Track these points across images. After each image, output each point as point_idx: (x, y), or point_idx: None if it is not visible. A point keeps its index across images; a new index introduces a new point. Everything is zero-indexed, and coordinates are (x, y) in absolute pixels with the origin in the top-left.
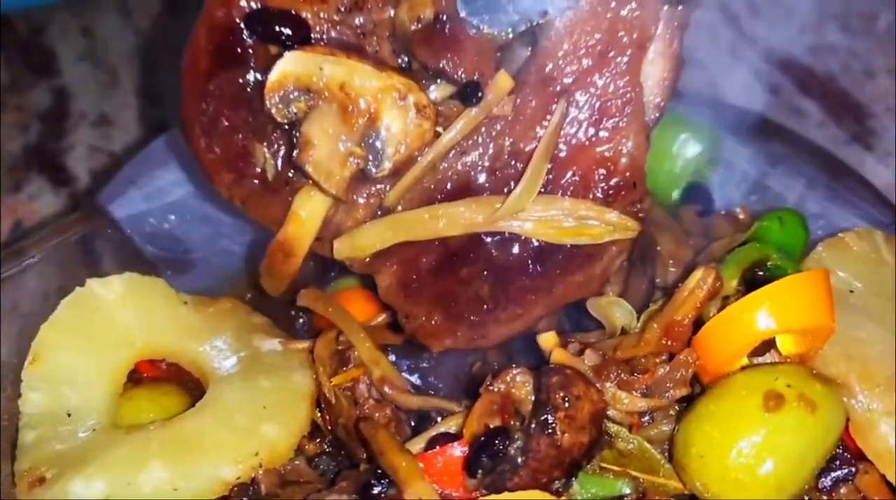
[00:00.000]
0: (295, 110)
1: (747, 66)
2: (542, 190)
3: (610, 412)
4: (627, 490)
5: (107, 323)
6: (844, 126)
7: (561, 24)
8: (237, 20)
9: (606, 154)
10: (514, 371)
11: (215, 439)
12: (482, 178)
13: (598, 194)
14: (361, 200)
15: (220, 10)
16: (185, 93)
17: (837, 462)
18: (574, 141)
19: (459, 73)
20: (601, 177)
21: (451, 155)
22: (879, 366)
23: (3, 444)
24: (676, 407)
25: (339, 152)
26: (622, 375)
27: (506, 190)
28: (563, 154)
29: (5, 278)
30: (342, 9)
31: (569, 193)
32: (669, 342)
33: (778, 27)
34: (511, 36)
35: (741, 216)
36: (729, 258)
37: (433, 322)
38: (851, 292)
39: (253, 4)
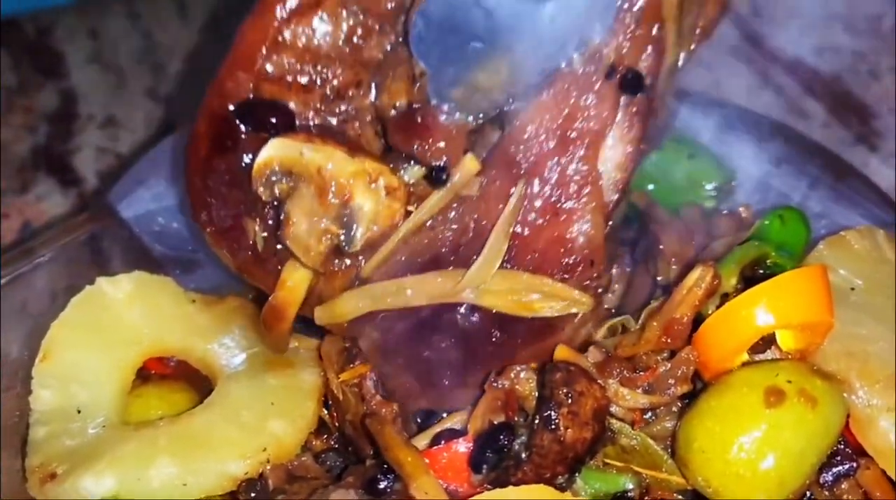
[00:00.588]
0: (279, 191)
1: (751, 66)
2: (506, 266)
3: (612, 409)
4: (630, 486)
5: (116, 321)
6: (849, 127)
7: (526, 111)
8: (231, 109)
9: (564, 234)
10: (518, 368)
11: (223, 435)
12: (450, 253)
13: (557, 271)
14: (340, 272)
15: (217, 100)
16: (188, 173)
17: (838, 458)
18: (534, 220)
19: (428, 156)
20: (559, 255)
21: (422, 231)
22: (879, 363)
23: (13, 440)
24: (679, 403)
25: (315, 230)
26: (624, 372)
27: (471, 264)
28: (525, 232)
29: (15, 278)
30: (327, 97)
31: (529, 269)
32: (669, 340)
33: (782, 28)
34: (481, 121)
35: (744, 215)
36: (728, 257)
37: (406, 385)
38: (852, 289)
39: (245, 95)
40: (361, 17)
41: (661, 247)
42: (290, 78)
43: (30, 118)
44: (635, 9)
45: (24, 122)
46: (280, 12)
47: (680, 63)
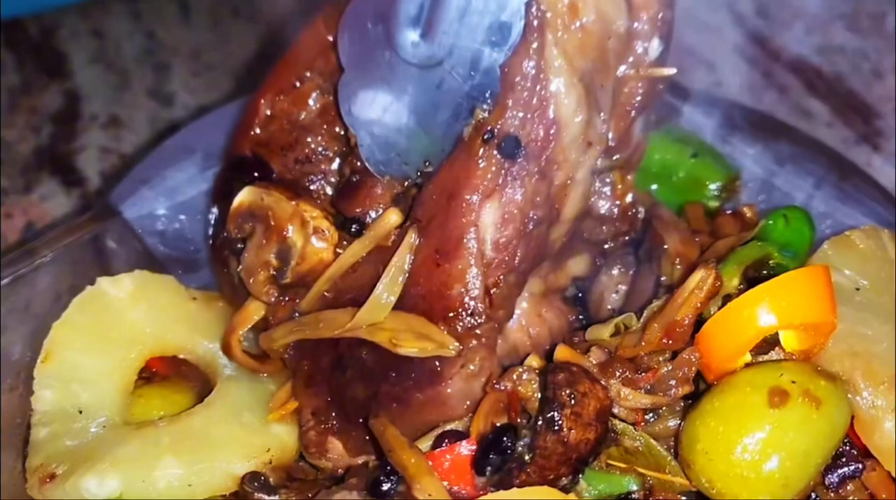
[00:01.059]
0: (244, 230)
1: (755, 66)
2: (400, 308)
3: (615, 410)
4: (634, 487)
5: (118, 321)
6: (852, 127)
7: (433, 174)
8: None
9: (445, 285)
10: (521, 369)
11: (227, 435)
12: (367, 293)
13: (439, 319)
14: (282, 304)
15: (226, 159)
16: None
17: (844, 459)
18: (421, 270)
19: (356, 212)
20: (441, 303)
21: (346, 273)
22: (884, 363)
23: (15, 441)
24: (681, 404)
25: (260, 261)
26: (626, 372)
27: None
28: (417, 280)
29: (18, 278)
30: (299, 160)
31: (417, 311)
32: (670, 342)
33: (785, 27)
34: (410, 182)
35: (748, 215)
36: (730, 257)
37: (321, 419)
38: (857, 289)
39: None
40: (330, 96)
41: (665, 247)
42: (274, 143)
43: (33, 118)
44: (521, 80)
45: (28, 122)
46: (270, 91)
47: (606, 135)
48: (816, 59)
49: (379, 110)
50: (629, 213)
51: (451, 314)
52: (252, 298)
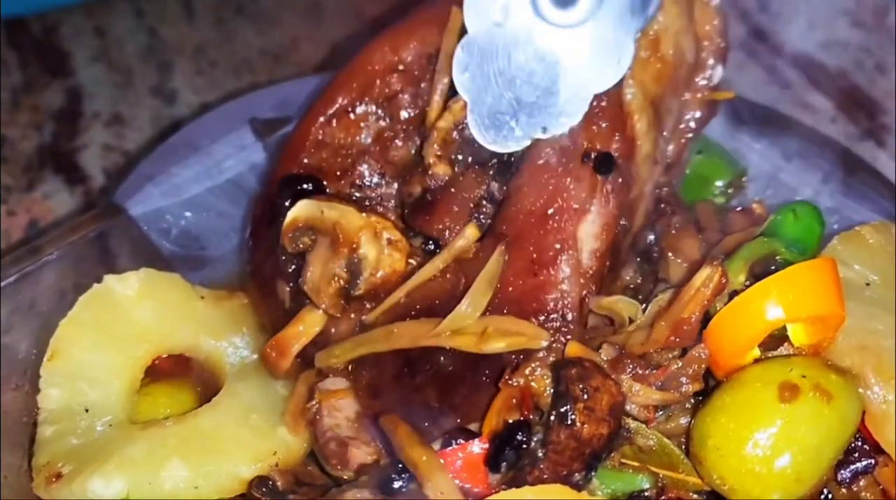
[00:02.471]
0: (301, 245)
1: (758, 61)
2: (484, 315)
3: (627, 407)
4: (647, 485)
5: (124, 319)
6: (856, 122)
7: (516, 191)
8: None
9: (541, 293)
10: (533, 365)
11: (234, 437)
12: (443, 304)
13: (530, 316)
14: (347, 318)
15: (269, 187)
16: (250, 237)
17: (856, 455)
18: (515, 280)
19: (434, 229)
20: (533, 309)
21: (421, 285)
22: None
23: (22, 439)
24: (692, 401)
25: (327, 274)
26: (637, 369)
27: None
28: (506, 289)
29: (23, 276)
30: (356, 184)
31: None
32: (678, 340)
33: (789, 23)
34: (482, 194)
35: (757, 211)
36: (737, 254)
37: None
38: (867, 284)
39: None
40: (385, 122)
41: (663, 246)
42: (326, 168)
43: (36, 116)
44: (603, 103)
45: (31, 120)
46: (321, 117)
47: (666, 153)
48: (820, 54)
49: (496, 75)
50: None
51: (542, 317)
52: (306, 311)
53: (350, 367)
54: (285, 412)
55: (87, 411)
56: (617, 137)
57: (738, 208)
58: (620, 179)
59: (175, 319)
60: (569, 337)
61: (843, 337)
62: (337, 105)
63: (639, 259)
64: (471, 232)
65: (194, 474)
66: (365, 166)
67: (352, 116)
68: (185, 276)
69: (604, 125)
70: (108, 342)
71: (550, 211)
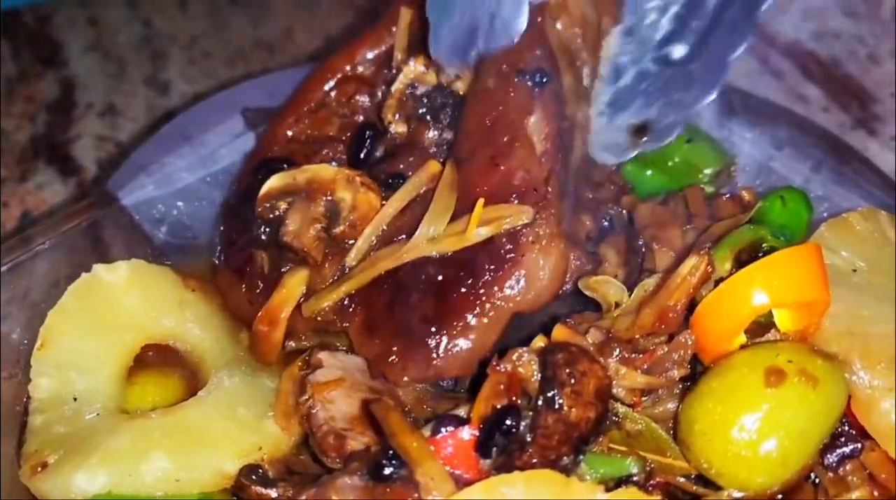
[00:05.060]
0: (277, 210)
1: (751, 51)
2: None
3: (614, 390)
4: (635, 469)
5: (113, 306)
6: (848, 111)
7: (463, 119)
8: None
9: (506, 178)
10: (520, 350)
11: (219, 430)
12: (413, 231)
13: (506, 199)
14: (328, 263)
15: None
16: (222, 220)
17: (843, 439)
18: (482, 182)
19: (397, 169)
20: (504, 195)
21: (393, 220)
22: (881, 344)
23: (15, 428)
24: (680, 386)
25: (307, 220)
26: (624, 353)
27: None
28: (473, 190)
29: (16, 266)
30: (324, 160)
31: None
32: (664, 327)
33: (782, 12)
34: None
35: (746, 197)
36: (723, 241)
37: (392, 358)
38: (854, 271)
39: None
40: (347, 118)
41: (647, 240)
42: (295, 154)
43: (30, 107)
44: (532, 33)
45: (24, 111)
46: (290, 117)
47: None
48: (813, 43)
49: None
50: (613, 177)
51: (516, 197)
52: (288, 274)
53: (341, 317)
54: (275, 412)
55: (75, 399)
56: (545, 59)
57: (727, 195)
58: (554, 91)
59: (163, 308)
60: (551, 212)
61: (829, 323)
62: (304, 107)
63: (624, 251)
64: (431, 164)
65: (177, 467)
66: (329, 151)
67: (317, 113)
68: (176, 265)
69: (535, 50)
70: (97, 330)
71: (497, 120)
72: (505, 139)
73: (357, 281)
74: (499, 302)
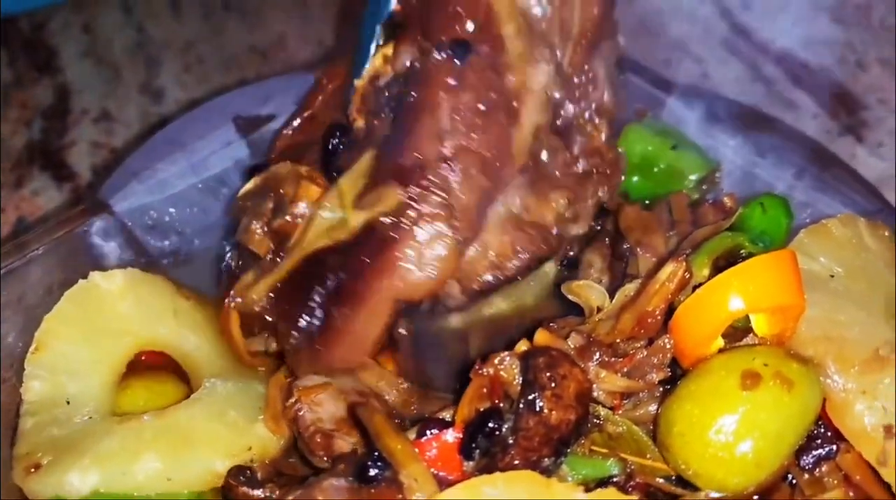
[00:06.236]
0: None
1: (741, 58)
2: None
3: (594, 393)
4: (616, 471)
5: (108, 313)
6: (837, 118)
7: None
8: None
9: (408, 148)
10: (502, 354)
11: (210, 432)
12: None
13: (394, 180)
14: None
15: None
16: None
17: (818, 441)
18: (388, 161)
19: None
20: (395, 166)
21: None
22: (856, 348)
23: (8, 431)
24: (660, 390)
25: (256, 216)
26: (604, 357)
27: None
28: (384, 174)
29: (11, 272)
30: None
31: None
32: (643, 331)
33: (771, 20)
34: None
35: (728, 204)
36: (701, 249)
37: (291, 350)
38: (832, 276)
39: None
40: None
41: (631, 244)
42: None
43: (25, 113)
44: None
45: (19, 117)
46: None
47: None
48: (802, 51)
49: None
50: (601, 151)
51: (402, 177)
52: (244, 275)
53: (271, 311)
54: (265, 416)
55: (67, 403)
56: (471, 28)
57: (710, 202)
58: (482, 62)
59: (157, 316)
60: (434, 196)
61: (805, 327)
62: (300, 117)
63: (609, 258)
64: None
65: (168, 466)
66: (315, 155)
67: (311, 121)
68: (168, 270)
69: (466, 17)
70: (91, 336)
71: (417, 95)
72: (409, 117)
73: (280, 270)
74: (375, 290)
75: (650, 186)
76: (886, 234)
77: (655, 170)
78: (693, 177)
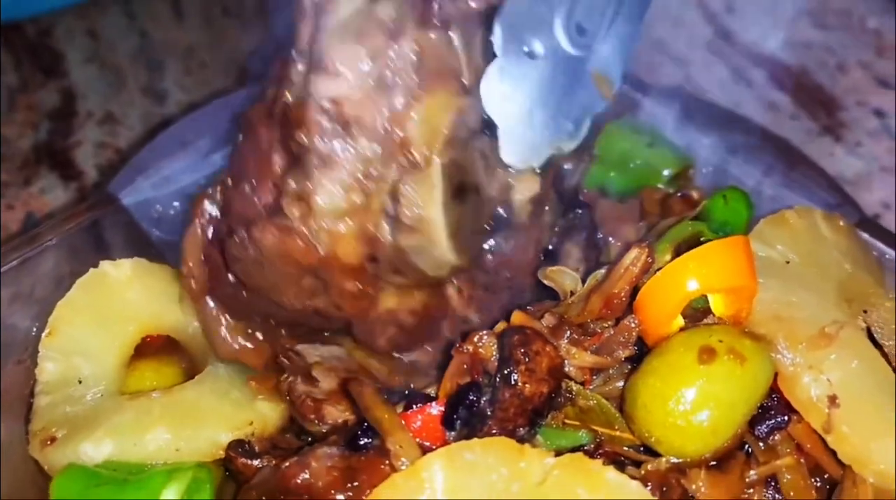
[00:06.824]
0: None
1: (724, 61)
2: None
3: (567, 369)
4: (586, 441)
5: (117, 300)
6: (816, 118)
7: None
8: None
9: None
10: (481, 333)
11: (214, 407)
12: None
13: None
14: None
15: None
16: None
17: (772, 412)
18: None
19: None
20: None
21: None
22: (805, 327)
23: (23, 409)
24: (628, 367)
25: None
26: (574, 335)
27: None
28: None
29: (23, 262)
30: None
31: None
32: (610, 312)
33: (754, 23)
34: None
35: (695, 197)
36: (665, 236)
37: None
38: (787, 263)
39: None
40: None
41: (599, 236)
42: None
43: (32, 116)
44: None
45: (27, 119)
46: None
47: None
48: (783, 53)
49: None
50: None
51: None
52: None
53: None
54: (253, 382)
55: (80, 382)
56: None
57: (679, 195)
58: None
59: (163, 302)
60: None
61: (760, 308)
62: None
63: (584, 247)
64: None
65: (176, 437)
66: None
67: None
68: (174, 261)
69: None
70: (102, 321)
71: None
72: None
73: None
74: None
75: (627, 181)
76: (842, 224)
77: (632, 166)
78: (667, 173)
